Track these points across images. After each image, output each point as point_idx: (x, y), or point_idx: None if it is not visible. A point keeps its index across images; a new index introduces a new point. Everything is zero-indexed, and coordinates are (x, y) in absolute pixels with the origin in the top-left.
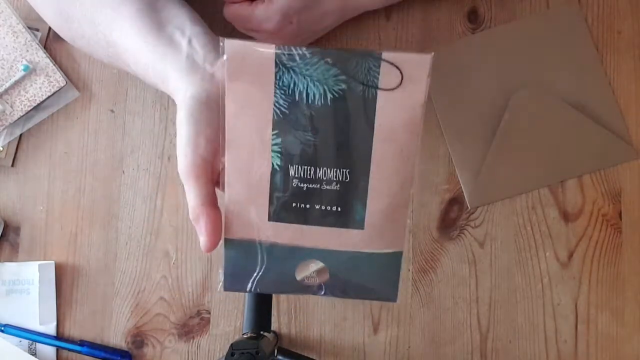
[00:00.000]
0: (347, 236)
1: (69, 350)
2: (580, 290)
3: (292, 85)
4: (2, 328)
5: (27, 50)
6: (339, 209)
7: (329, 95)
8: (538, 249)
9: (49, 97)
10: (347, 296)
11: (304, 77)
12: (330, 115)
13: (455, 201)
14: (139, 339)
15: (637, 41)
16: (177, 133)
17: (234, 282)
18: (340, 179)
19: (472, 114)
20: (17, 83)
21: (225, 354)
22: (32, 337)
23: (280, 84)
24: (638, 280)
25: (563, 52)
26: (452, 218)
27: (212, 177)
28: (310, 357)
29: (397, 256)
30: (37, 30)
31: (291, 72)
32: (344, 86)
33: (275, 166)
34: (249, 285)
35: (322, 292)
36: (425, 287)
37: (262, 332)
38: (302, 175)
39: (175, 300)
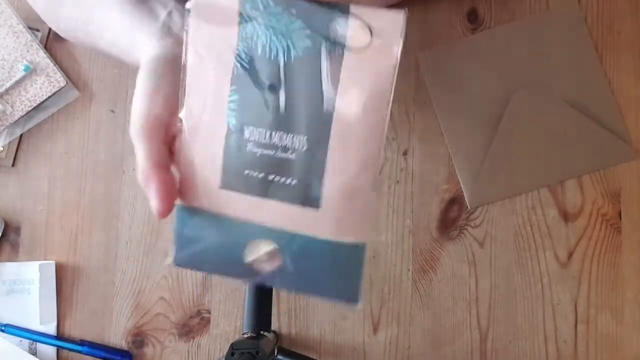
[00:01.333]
0: (301, 216)
1: (69, 350)
2: (580, 290)
3: (255, 37)
4: (3, 328)
5: (28, 51)
6: (294, 181)
7: (292, 52)
8: (538, 249)
9: (49, 97)
10: (301, 292)
11: (267, 29)
12: (292, 74)
13: (455, 201)
14: (139, 338)
15: (637, 41)
16: (135, 92)
17: (184, 257)
18: (297, 147)
19: (472, 114)
20: (18, 83)
21: (225, 354)
22: (32, 336)
23: (244, 34)
24: (638, 280)
25: (563, 52)
26: (452, 218)
27: (166, 139)
28: (310, 357)
29: (358, 249)
30: (38, 30)
31: (254, 22)
32: (308, 42)
33: (231, 126)
34: (197, 263)
35: (274, 282)
36: (425, 287)
37: (262, 332)
38: (256, 138)
39: (175, 300)
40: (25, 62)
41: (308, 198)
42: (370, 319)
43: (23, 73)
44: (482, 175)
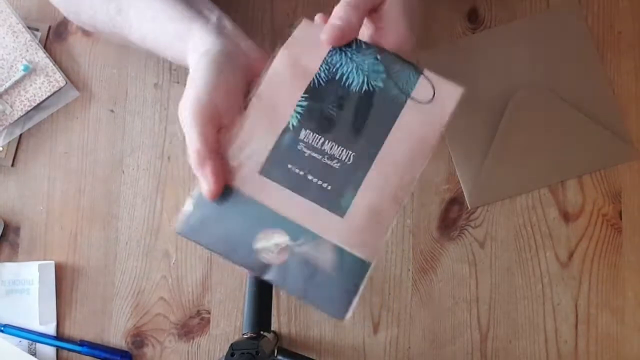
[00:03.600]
0: (324, 218)
1: (69, 350)
2: (580, 290)
3: (338, 65)
4: (2, 328)
5: (27, 50)
6: (330, 187)
7: (365, 87)
8: (538, 249)
9: (49, 97)
10: (294, 293)
11: (352, 62)
12: (359, 102)
13: (455, 201)
14: (139, 339)
15: (637, 41)
16: (191, 80)
17: (193, 225)
18: (343, 159)
19: (472, 114)
20: (17, 83)
21: (225, 354)
22: (32, 337)
23: (329, 60)
24: (638, 280)
25: (563, 52)
26: (452, 218)
27: (218, 127)
28: (310, 357)
29: (364, 265)
30: (37, 30)
31: (343, 54)
32: (381, 84)
33: (290, 125)
34: (205, 237)
35: (271, 276)
36: (425, 287)
37: (262, 332)
38: (310, 141)
39: (175, 300)
40: (24, 62)
41: (337, 205)
42: (370, 319)
43: (22, 73)
44: (482, 175)
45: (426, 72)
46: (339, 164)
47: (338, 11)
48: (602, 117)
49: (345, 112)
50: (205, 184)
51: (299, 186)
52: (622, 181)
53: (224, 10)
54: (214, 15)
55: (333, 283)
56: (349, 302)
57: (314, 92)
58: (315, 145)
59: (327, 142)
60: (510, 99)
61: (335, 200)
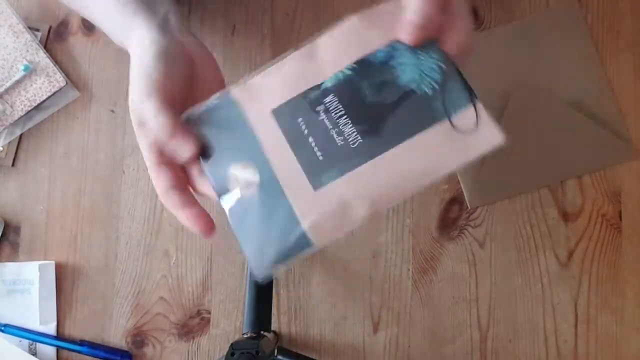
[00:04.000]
0: (299, 183)
1: (69, 350)
2: (580, 290)
3: (401, 53)
4: (3, 328)
5: (28, 51)
6: (322, 158)
7: (413, 85)
8: (538, 249)
9: (49, 97)
10: (234, 229)
11: (414, 57)
12: (398, 96)
13: (455, 201)
14: (139, 338)
15: (636, 41)
16: (137, 67)
17: (192, 114)
18: (350, 140)
19: None
20: (18, 83)
21: (225, 354)
22: (32, 336)
23: (396, 45)
24: (638, 280)
25: (563, 52)
26: (452, 218)
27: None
28: (310, 357)
29: (306, 245)
30: (38, 30)
31: (407, 48)
32: (429, 91)
33: (324, 85)
34: (198, 129)
35: (225, 204)
36: (425, 287)
37: (262, 332)
38: (331, 108)
39: (175, 300)
40: (25, 62)
41: (317, 178)
42: (370, 319)
43: (23, 73)
44: (482, 175)
45: (479, 104)
46: (342, 142)
47: (419, 5)
48: (602, 117)
49: (379, 98)
50: (186, 150)
51: (296, 142)
52: (621, 181)
53: (223, 10)
54: (163, 9)
55: (270, 241)
56: (271, 266)
57: (364, 65)
58: (333, 114)
59: (345, 117)
60: (510, 99)
61: (318, 172)
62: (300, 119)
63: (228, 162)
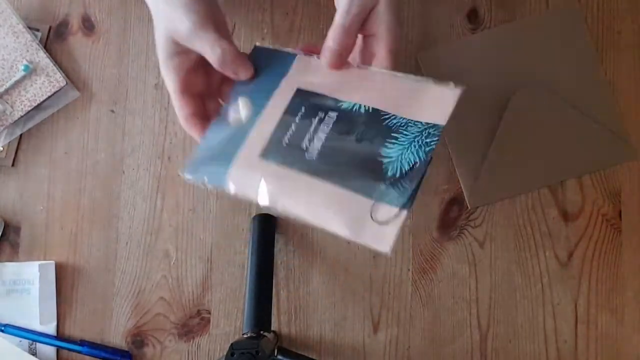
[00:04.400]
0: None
1: (69, 350)
2: (580, 290)
3: (410, 129)
4: (3, 328)
5: (28, 51)
6: (286, 146)
7: (384, 157)
8: (538, 249)
9: (49, 97)
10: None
11: (412, 143)
12: (370, 154)
13: (455, 201)
14: (139, 338)
15: (636, 41)
16: (181, 7)
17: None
18: (312, 150)
19: (472, 114)
20: (18, 83)
21: (225, 354)
22: (32, 336)
23: (415, 122)
24: (638, 280)
25: (563, 52)
26: (452, 218)
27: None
28: (310, 357)
29: (221, 179)
30: (37, 30)
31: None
32: (389, 173)
33: (342, 103)
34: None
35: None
36: (425, 287)
37: (262, 332)
38: (324, 119)
39: (175, 300)
40: (25, 62)
41: (268, 152)
42: (370, 319)
43: (23, 73)
44: (482, 175)
45: (403, 215)
46: (305, 148)
47: (333, 35)
48: (602, 117)
49: (358, 145)
50: (243, 72)
51: (284, 120)
52: (621, 181)
53: (223, 10)
54: None
55: (209, 160)
56: (192, 174)
57: (376, 116)
58: (321, 126)
59: (325, 135)
60: (510, 99)
61: (272, 150)
62: (303, 108)
63: (245, 93)
